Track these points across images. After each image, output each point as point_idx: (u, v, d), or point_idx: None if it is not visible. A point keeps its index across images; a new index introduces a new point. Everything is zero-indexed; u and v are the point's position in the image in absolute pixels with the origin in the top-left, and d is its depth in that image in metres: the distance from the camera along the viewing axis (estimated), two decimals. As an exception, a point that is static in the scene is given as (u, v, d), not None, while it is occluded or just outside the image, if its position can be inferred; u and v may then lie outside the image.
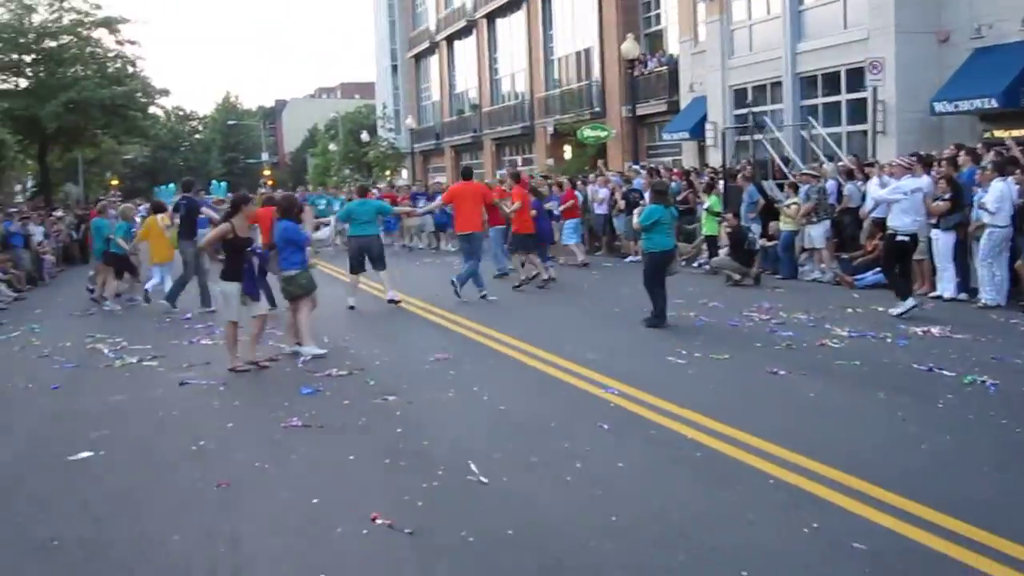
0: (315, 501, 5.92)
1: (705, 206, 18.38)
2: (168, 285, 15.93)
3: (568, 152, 39.09)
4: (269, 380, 9.92)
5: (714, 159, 26.44)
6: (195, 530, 5.58)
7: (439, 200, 18.43)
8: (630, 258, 20.35)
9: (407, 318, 14.02)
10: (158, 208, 16.89)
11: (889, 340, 10.49)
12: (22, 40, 36.76)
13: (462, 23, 50.04)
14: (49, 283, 22.68)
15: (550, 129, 37.56)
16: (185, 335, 13.04)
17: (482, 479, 6.15)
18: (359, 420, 7.87)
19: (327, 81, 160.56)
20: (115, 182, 66.92)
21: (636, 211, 13.64)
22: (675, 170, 23.77)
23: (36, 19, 37.37)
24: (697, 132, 28.35)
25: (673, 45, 32.56)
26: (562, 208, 20.50)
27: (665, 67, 32.24)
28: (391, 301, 14.68)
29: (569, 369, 9.51)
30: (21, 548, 5.46)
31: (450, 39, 53.25)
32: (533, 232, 16.77)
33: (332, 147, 73.54)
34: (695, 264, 18.53)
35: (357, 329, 12.79)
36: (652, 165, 26.34)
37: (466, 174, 16.70)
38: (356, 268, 15.03)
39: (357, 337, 12.18)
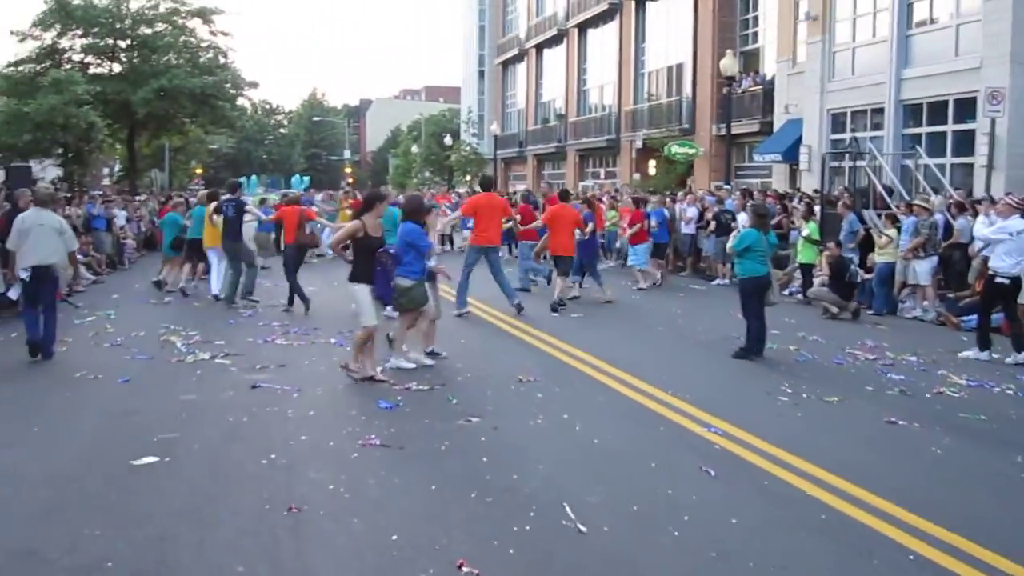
0: (394, 538, 5.35)
1: (804, 233, 17.51)
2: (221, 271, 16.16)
3: (653, 168, 38.51)
4: (346, 389, 9.39)
5: (807, 183, 25.59)
6: (262, 561, 5.05)
7: (458, 212, 17.30)
8: (717, 280, 19.61)
9: (487, 330, 13.44)
10: (212, 197, 16.74)
11: (1011, 392, 9.65)
12: (119, 25, 37.16)
13: (552, 32, 49.59)
14: (129, 268, 22.63)
15: (638, 143, 36.81)
16: (260, 333, 12.64)
17: (580, 527, 5.51)
18: (441, 444, 7.29)
19: (412, 83, 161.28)
20: (199, 171, 67.57)
21: (733, 234, 13.00)
22: (770, 193, 22.90)
23: (133, 5, 37.82)
24: (791, 155, 27.43)
25: (769, 65, 31.73)
26: (629, 233, 19.41)
27: (760, 87, 31.39)
28: None
29: (665, 401, 8.84)
30: (70, 569, 4.96)
31: (539, 47, 52.86)
32: (572, 255, 15.96)
33: (415, 148, 73.60)
34: (786, 292, 17.68)
35: (437, 340, 12.25)
36: (744, 186, 25.58)
37: (486, 185, 15.58)
38: None
39: (437, 349, 11.64)
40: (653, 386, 9.42)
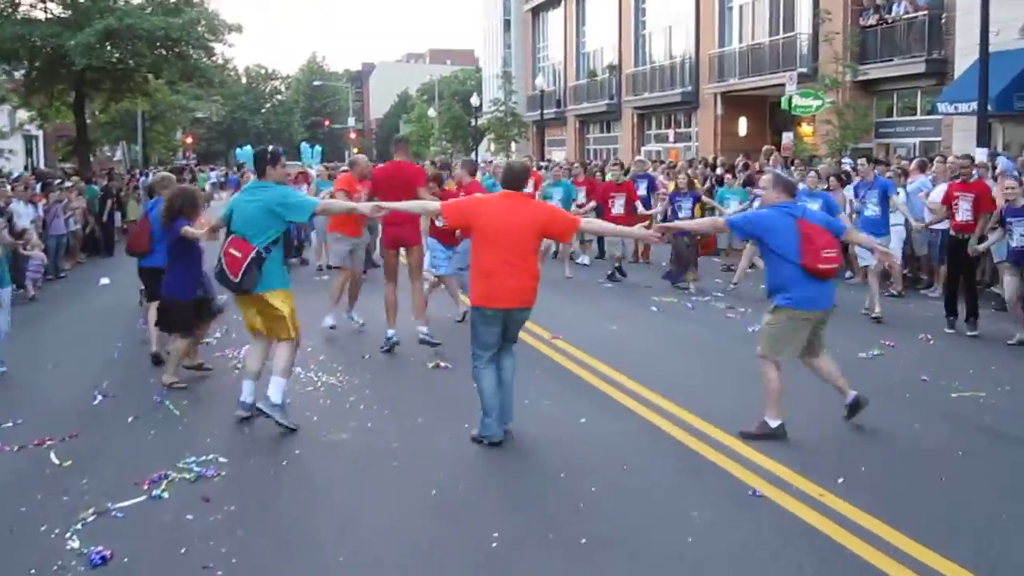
0: None
1: None
2: None
3: (744, 126, 30.72)
4: None
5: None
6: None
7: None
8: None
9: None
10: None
11: None
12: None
13: (600, -35, 41.06)
14: (39, 299, 13.85)
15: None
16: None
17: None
18: None
19: (416, 47, 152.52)
20: (189, 140, 58.91)
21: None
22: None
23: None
24: (1005, 103, 19.04)
25: (935, -21, 23.26)
26: None
27: (923, 12, 22.92)
28: None
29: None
30: None
31: (581, -14, 44.36)
32: None
33: (431, 112, 65.37)
34: None
35: None
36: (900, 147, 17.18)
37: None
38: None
39: None
40: None
